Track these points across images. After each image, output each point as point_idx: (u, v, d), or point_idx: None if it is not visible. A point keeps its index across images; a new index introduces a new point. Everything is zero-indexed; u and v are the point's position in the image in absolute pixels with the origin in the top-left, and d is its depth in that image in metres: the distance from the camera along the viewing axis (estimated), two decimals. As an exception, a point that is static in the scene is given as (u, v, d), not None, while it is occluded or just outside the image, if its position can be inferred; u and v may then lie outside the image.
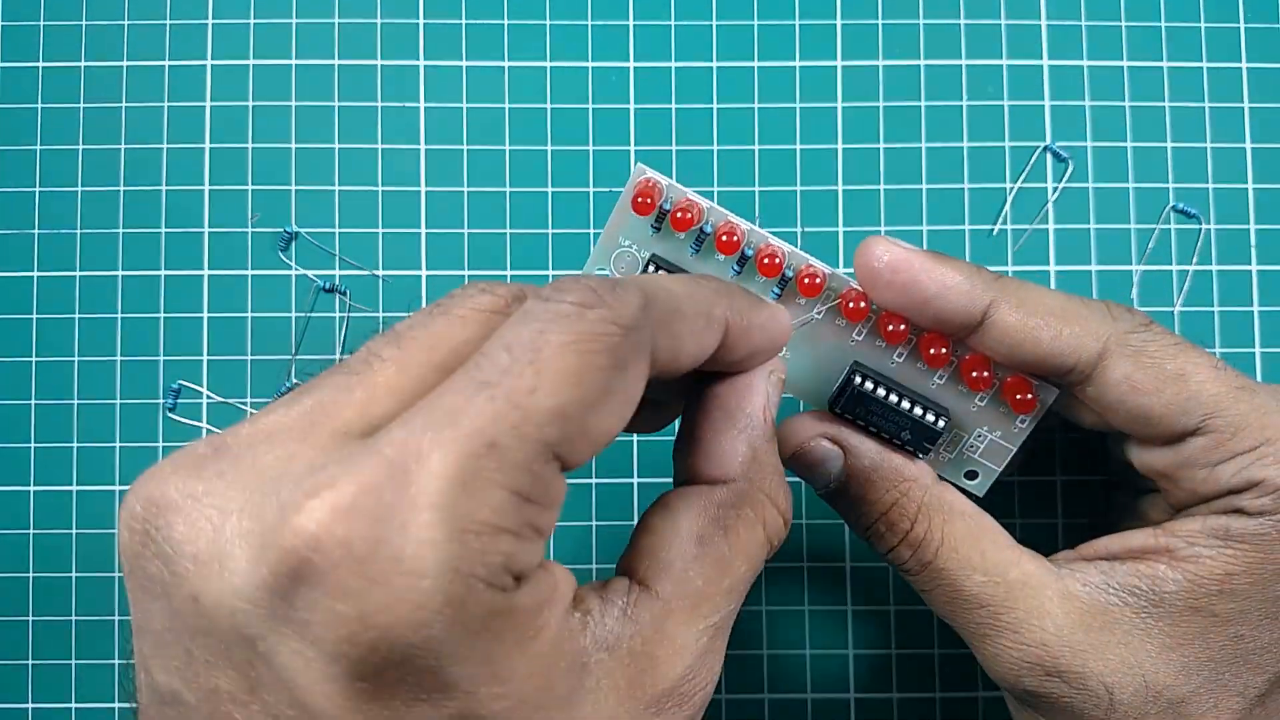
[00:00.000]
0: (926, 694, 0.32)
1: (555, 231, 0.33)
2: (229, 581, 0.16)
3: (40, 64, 0.33)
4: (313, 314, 0.33)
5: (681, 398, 0.25)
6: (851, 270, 0.25)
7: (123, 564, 0.18)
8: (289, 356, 0.33)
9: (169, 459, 0.18)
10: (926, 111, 0.33)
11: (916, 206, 0.33)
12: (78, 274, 0.33)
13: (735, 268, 0.25)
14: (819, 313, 0.26)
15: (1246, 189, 0.33)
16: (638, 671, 0.19)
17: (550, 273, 0.33)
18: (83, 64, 0.33)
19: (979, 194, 0.33)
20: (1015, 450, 0.26)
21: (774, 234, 0.26)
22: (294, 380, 0.33)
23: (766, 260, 0.25)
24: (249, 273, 0.33)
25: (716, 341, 0.21)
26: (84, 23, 0.34)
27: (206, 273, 0.33)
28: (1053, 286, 0.33)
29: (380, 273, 0.33)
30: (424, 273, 0.33)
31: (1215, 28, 0.34)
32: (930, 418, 0.25)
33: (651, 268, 0.25)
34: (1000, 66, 0.33)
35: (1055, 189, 0.33)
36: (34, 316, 0.33)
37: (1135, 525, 0.27)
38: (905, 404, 0.25)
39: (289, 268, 0.33)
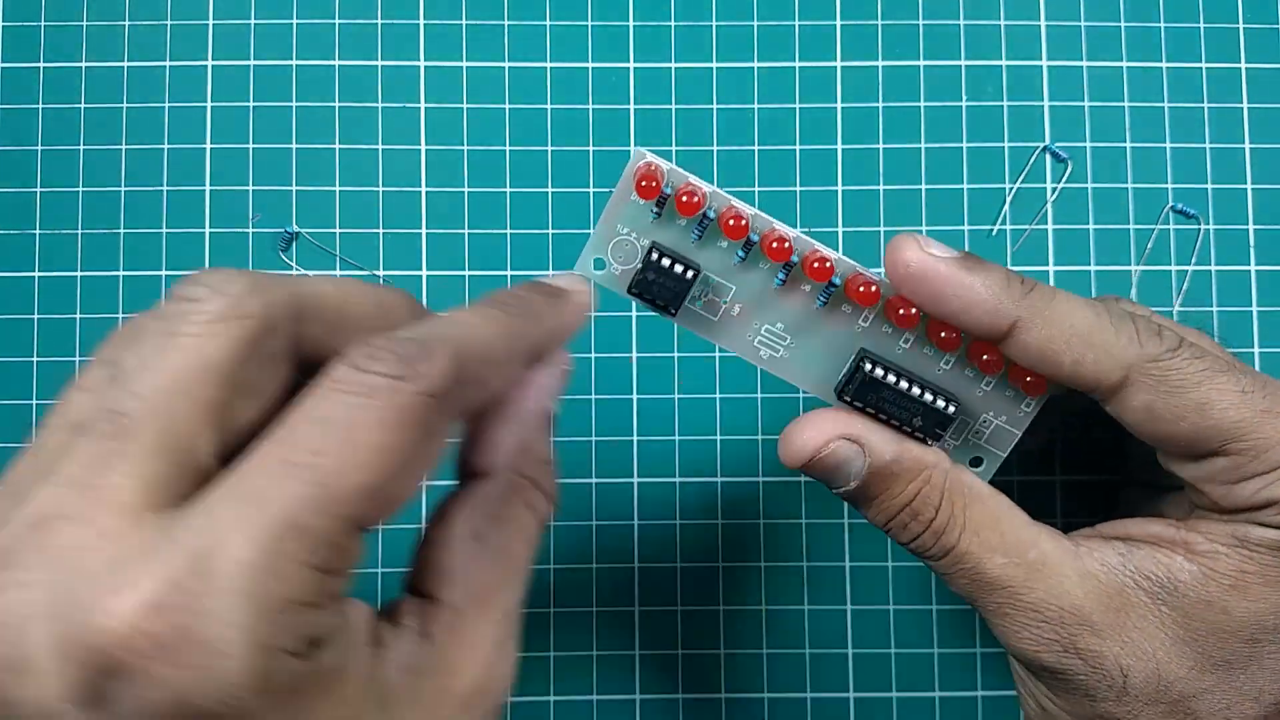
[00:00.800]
0: (926, 693, 0.32)
1: (555, 232, 0.33)
2: (40, 688, 0.17)
3: (41, 64, 0.33)
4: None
5: None
6: (867, 260, 0.25)
7: None
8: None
9: None
10: (926, 112, 0.33)
11: (916, 207, 0.33)
12: (79, 274, 0.33)
13: (740, 253, 0.25)
14: (822, 299, 0.25)
15: (1245, 189, 0.33)
16: (441, 684, 0.20)
17: (550, 273, 0.33)
18: (84, 64, 0.34)
19: (978, 194, 0.33)
20: (1020, 435, 0.26)
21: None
22: None
23: (775, 245, 0.24)
24: (250, 273, 0.33)
25: (522, 369, 0.22)
26: (85, 23, 0.34)
27: (207, 273, 0.33)
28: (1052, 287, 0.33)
29: (380, 272, 0.33)
30: (424, 273, 0.33)
31: (1214, 28, 0.34)
32: (941, 403, 0.25)
33: (655, 255, 0.24)
34: (1000, 67, 0.34)
35: (1054, 189, 0.33)
36: (35, 317, 0.33)
37: (1152, 514, 0.27)
38: (916, 390, 0.25)
39: (290, 268, 0.33)
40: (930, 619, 0.33)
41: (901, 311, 0.25)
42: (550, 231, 0.33)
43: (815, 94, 0.33)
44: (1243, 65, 0.33)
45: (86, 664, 0.16)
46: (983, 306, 0.24)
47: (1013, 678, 0.27)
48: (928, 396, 0.25)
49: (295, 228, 0.33)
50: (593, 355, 0.33)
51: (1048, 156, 0.33)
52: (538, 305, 0.23)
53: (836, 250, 0.25)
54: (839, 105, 0.33)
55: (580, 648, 0.33)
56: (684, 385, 0.33)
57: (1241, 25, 0.34)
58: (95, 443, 0.18)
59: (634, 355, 0.33)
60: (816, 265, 0.24)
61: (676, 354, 0.33)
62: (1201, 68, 0.34)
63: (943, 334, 0.25)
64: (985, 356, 0.25)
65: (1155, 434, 0.24)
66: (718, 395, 0.33)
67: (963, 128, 0.33)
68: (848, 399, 0.25)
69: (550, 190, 0.33)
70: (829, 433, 0.25)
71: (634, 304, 0.33)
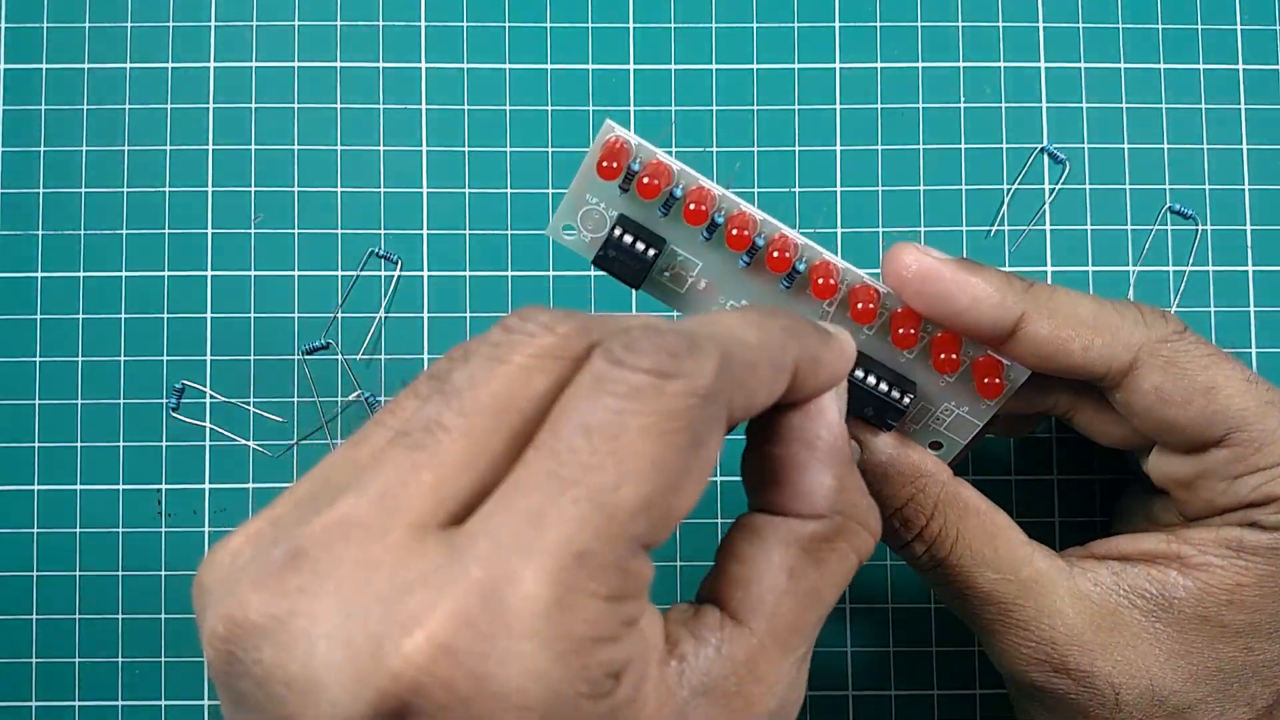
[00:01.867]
0: (924, 691, 0.33)
1: (556, 232, 0.33)
2: (327, 711, 0.16)
3: (44, 66, 0.34)
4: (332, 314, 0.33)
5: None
6: (824, 244, 0.25)
7: (211, 677, 0.17)
8: (292, 356, 0.33)
9: (244, 569, 0.17)
10: (924, 113, 0.34)
11: (914, 208, 0.33)
12: (81, 274, 0.33)
13: (705, 234, 0.24)
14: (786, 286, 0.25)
15: (1242, 190, 0.33)
16: (731, 711, 0.19)
17: (550, 273, 0.33)
18: (86, 66, 0.34)
19: (976, 195, 0.33)
20: (981, 425, 0.26)
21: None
22: (324, 340, 0.33)
23: (736, 232, 0.24)
24: (251, 273, 0.33)
25: (785, 388, 0.20)
26: (87, 25, 0.34)
27: (210, 273, 0.33)
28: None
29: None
30: (425, 273, 0.33)
31: (1211, 30, 0.34)
32: (896, 394, 0.25)
33: (618, 231, 0.24)
34: (998, 69, 0.34)
35: (1052, 190, 0.33)
36: (38, 317, 0.33)
37: (1145, 527, 0.27)
38: (871, 379, 0.25)
39: (291, 268, 0.33)
40: (928, 617, 0.33)
41: (860, 305, 0.24)
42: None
43: (814, 96, 0.34)
44: (1240, 67, 0.34)
45: (378, 703, 0.15)
46: (989, 301, 0.24)
47: (1009, 693, 0.27)
48: (882, 387, 0.25)
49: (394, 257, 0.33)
50: (593, 355, 0.33)
51: (1046, 158, 0.33)
52: (800, 325, 0.21)
53: (834, 254, 0.24)
54: (838, 107, 0.34)
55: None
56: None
57: (1239, 27, 0.34)
58: (407, 453, 0.17)
59: (634, 355, 0.33)
60: (777, 255, 0.24)
61: (676, 354, 0.33)
62: (1199, 69, 0.34)
63: (900, 330, 0.24)
64: (943, 356, 0.24)
65: (1163, 419, 0.24)
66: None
67: (961, 129, 0.33)
68: None
69: (550, 191, 0.33)
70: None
71: (633, 313, 0.33)
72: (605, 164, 0.24)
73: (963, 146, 0.33)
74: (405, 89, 0.34)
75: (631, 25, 0.34)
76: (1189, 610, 0.24)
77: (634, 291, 0.34)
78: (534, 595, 0.16)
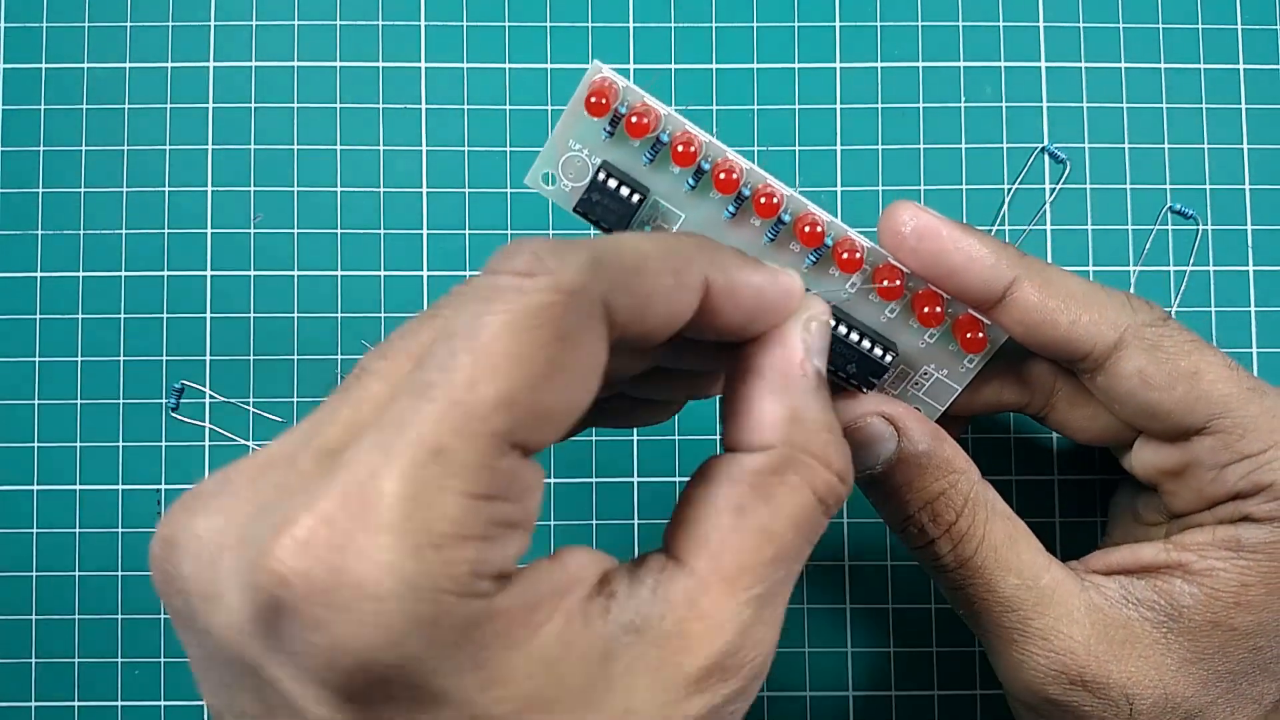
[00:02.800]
0: (925, 691, 0.33)
1: (556, 232, 0.33)
2: (227, 617, 0.17)
3: (44, 65, 0.34)
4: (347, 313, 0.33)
5: (685, 394, 0.25)
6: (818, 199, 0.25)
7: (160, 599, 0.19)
8: (291, 356, 0.33)
9: (183, 496, 0.18)
10: (925, 113, 0.34)
11: (915, 207, 0.33)
12: (81, 274, 0.33)
13: (690, 181, 0.24)
14: (771, 235, 0.24)
15: (1243, 189, 0.33)
16: (671, 651, 0.18)
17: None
18: (85, 65, 0.34)
19: (977, 195, 0.33)
20: (960, 390, 0.25)
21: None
22: (363, 343, 0.33)
23: (724, 176, 0.23)
24: (251, 273, 0.33)
25: (694, 302, 0.19)
26: (87, 25, 0.34)
27: (209, 273, 0.33)
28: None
29: (381, 273, 0.33)
30: (425, 274, 0.33)
31: (1212, 29, 0.34)
32: (878, 352, 0.24)
33: (602, 175, 0.24)
34: (998, 68, 0.34)
35: (1053, 190, 0.33)
36: (38, 317, 0.33)
37: (1131, 526, 0.27)
38: (854, 336, 0.24)
39: (291, 268, 0.33)
40: (929, 618, 0.33)
41: (845, 255, 0.24)
42: (551, 232, 0.33)
43: (814, 95, 0.33)
44: (1241, 66, 0.34)
45: (257, 602, 0.16)
46: (983, 262, 0.24)
47: (1012, 711, 0.27)
48: (865, 344, 0.24)
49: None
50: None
51: (1046, 157, 0.33)
52: (714, 244, 0.21)
53: (822, 209, 0.24)
54: (838, 106, 0.34)
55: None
56: (684, 385, 0.33)
57: (1240, 26, 0.34)
58: (334, 397, 0.18)
59: (634, 355, 0.33)
60: (764, 201, 0.24)
61: (676, 354, 0.33)
62: (1200, 69, 0.34)
63: (885, 282, 0.24)
64: (926, 309, 0.24)
65: (1146, 404, 0.24)
66: (716, 395, 0.33)
67: (961, 129, 0.33)
68: None
69: (551, 191, 0.33)
70: (867, 407, 0.25)
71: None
72: (594, 100, 0.23)
73: (963, 146, 0.33)
74: (405, 89, 0.34)
75: (631, 25, 0.34)
76: (1199, 617, 0.24)
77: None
78: (390, 491, 0.16)
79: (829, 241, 0.24)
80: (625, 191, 0.24)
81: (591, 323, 0.18)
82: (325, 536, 0.16)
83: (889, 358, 0.24)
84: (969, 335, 0.24)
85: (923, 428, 0.25)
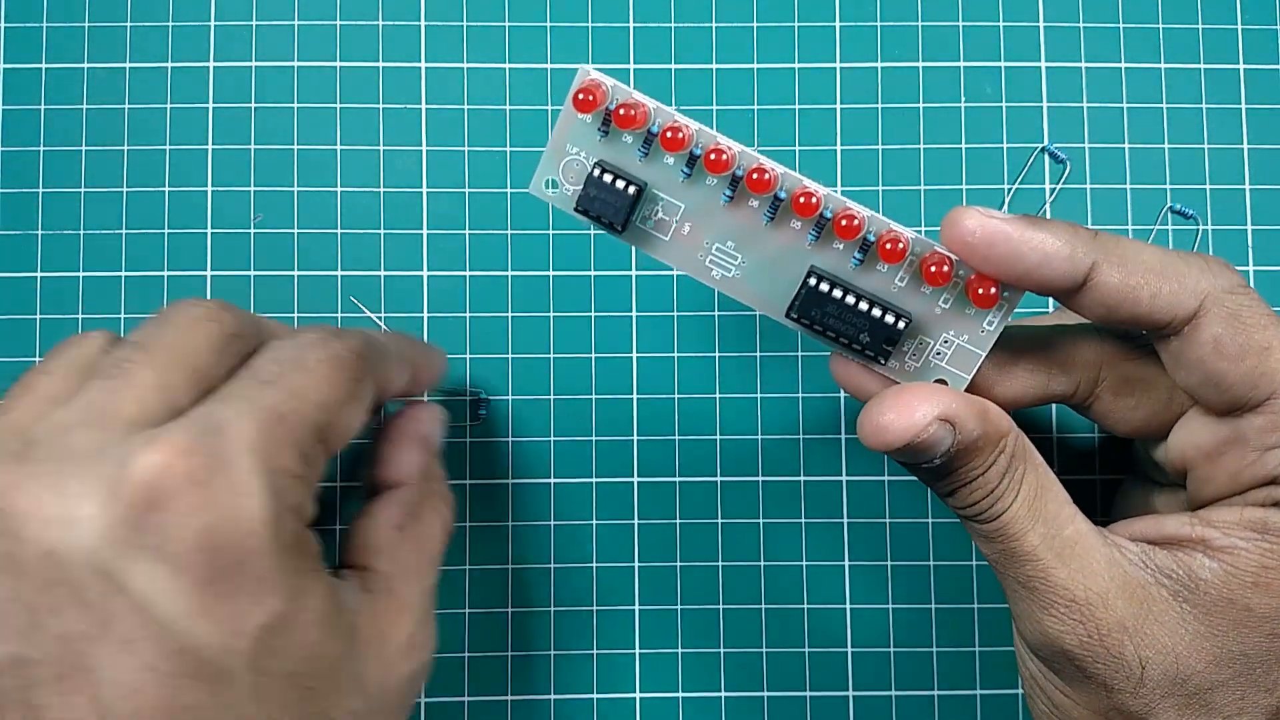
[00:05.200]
0: (924, 691, 0.33)
1: (555, 232, 0.33)
2: (82, 528, 0.19)
3: (44, 65, 0.34)
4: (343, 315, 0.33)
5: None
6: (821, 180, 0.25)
7: None
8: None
9: None
10: (925, 113, 0.34)
11: (915, 208, 0.33)
12: (81, 275, 0.33)
13: (685, 170, 0.24)
14: (768, 215, 0.24)
15: (1244, 190, 0.33)
16: (381, 633, 0.24)
17: (550, 273, 0.33)
18: (85, 65, 0.34)
19: (977, 195, 0.33)
20: (985, 355, 0.25)
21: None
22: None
23: (714, 157, 0.24)
24: (252, 273, 0.33)
25: (407, 378, 0.28)
26: (87, 25, 0.34)
27: (209, 273, 0.33)
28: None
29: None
30: (425, 273, 0.33)
31: (1212, 29, 0.34)
32: (890, 319, 0.24)
33: (598, 171, 0.24)
34: (999, 68, 0.34)
35: (1053, 190, 0.33)
36: (38, 317, 0.33)
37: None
38: (864, 305, 0.24)
39: (291, 268, 0.33)
40: (930, 618, 0.33)
41: (844, 223, 0.24)
42: (551, 232, 0.33)
43: (814, 95, 0.34)
44: (1241, 66, 0.34)
45: (129, 500, 0.20)
46: (1060, 255, 0.23)
47: (1020, 678, 0.27)
48: (875, 311, 0.24)
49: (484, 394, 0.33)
50: (593, 355, 0.33)
51: (1046, 157, 0.33)
52: (412, 339, 0.30)
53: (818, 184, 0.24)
54: (838, 106, 0.34)
55: (580, 646, 0.33)
56: (684, 385, 0.33)
57: (1240, 26, 0.34)
58: (102, 382, 0.22)
59: (634, 355, 0.33)
60: (756, 178, 0.24)
61: (676, 354, 0.33)
62: (1200, 69, 0.34)
63: (888, 245, 0.24)
64: (933, 269, 0.24)
65: (1213, 372, 0.24)
66: (717, 395, 0.33)
67: (961, 129, 0.33)
68: (794, 317, 0.25)
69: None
70: (925, 416, 0.24)
71: (633, 312, 0.33)
72: (582, 96, 0.24)
73: (963, 146, 0.33)
74: (405, 89, 0.34)
75: (631, 25, 0.34)
76: (1214, 593, 0.24)
77: (632, 278, 0.34)
78: (247, 430, 0.21)
79: (827, 214, 0.24)
80: (621, 185, 0.24)
81: (368, 376, 0.25)
82: (200, 447, 0.20)
83: (902, 324, 0.24)
84: (980, 291, 0.24)
85: (972, 411, 0.24)
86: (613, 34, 0.34)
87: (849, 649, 0.33)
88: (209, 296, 0.33)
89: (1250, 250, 0.33)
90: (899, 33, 0.34)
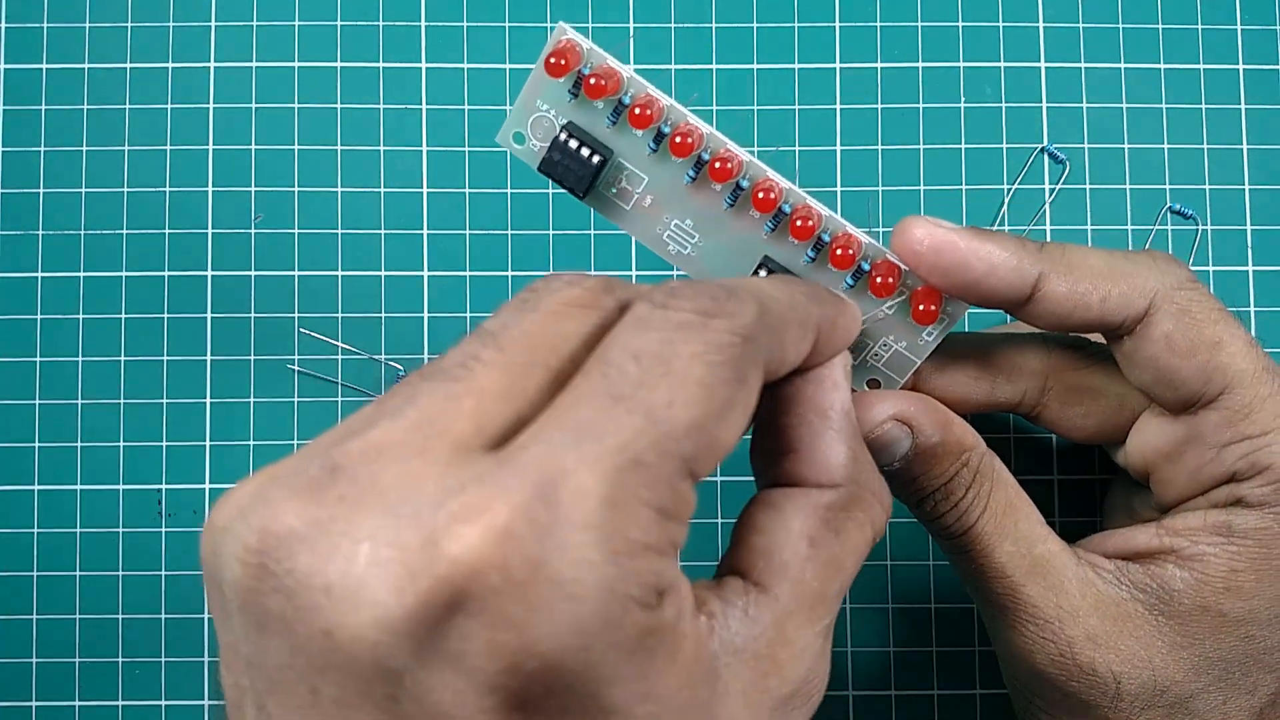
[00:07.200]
0: (924, 691, 0.33)
1: (555, 233, 0.33)
2: (369, 614, 0.15)
3: (44, 66, 0.34)
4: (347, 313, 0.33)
5: None
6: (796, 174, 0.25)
7: (232, 599, 0.16)
8: (292, 356, 0.33)
9: (277, 483, 0.17)
10: (924, 113, 0.34)
11: (914, 208, 0.33)
12: (81, 274, 0.33)
13: (652, 144, 0.24)
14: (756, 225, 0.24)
15: (1243, 190, 0.33)
16: (761, 674, 0.19)
17: (550, 273, 0.33)
18: (86, 66, 0.34)
19: (977, 195, 0.33)
20: (920, 362, 0.25)
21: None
22: (403, 371, 0.33)
23: (679, 140, 0.24)
24: (252, 273, 0.33)
25: (809, 349, 0.21)
26: (87, 25, 0.34)
27: (209, 273, 0.33)
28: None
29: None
30: (425, 274, 0.33)
31: (1212, 29, 0.34)
32: None
33: (563, 136, 0.24)
34: (998, 69, 0.34)
35: (1053, 190, 0.33)
36: (38, 317, 0.33)
37: (1126, 524, 0.27)
38: None
39: (291, 268, 0.33)
40: (929, 618, 0.33)
41: (800, 223, 0.24)
42: (551, 232, 0.33)
43: (814, 96, 0.34)
44: (1240, 66, 0.34)
45: (430, 595, 0.15)
46: (1006, 265, 0.23)
47: (1010, 695, 0.27)
48: None
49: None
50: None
51: (1046, 157, 0.33)
52: (819, 290, 0.22)
53: (789, 180, 0.24)
54: (838, 107, 0.34)
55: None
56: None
57: (1239, 27, 0.34)
58: (442, 384, 0.17)
59: (634, 355, 0.33)
60: (719, 166, 0.24)
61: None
62: (1199, 69, 0.34)
63: (838, 251, 0.24)
64: (879, 280, 0.24)
65: (1165, 369, 0.24)
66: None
67: (961, 129, 0.33)
68: None
69: (550, 191, 0.33)
70: (881, 415, 0.25)
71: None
72: (553, 61, 0.24)
73: (963, 146, 0.33)
74: (405, 89, 0.34)
75: (632, 25, 0.34)
76: (1188, 602, 0.24)
77: (632, 278, 0.34)
78: (589, 491, 0.16)
79: (786, 209, 0.24)
80: (586, 153, 0.24)
81: (758, 366, 0.19)
82: (523, 529, 0.15)
83: None
84: (921, 308, 0.24)
85: (933, 418, 0.25)
86: (612, 34, 0.34)
87: (849, 649, 0.33)
88: (209, 297, 0.33)
89: (1250, 250, 0.33)
90: (899, 33, 0.34)
